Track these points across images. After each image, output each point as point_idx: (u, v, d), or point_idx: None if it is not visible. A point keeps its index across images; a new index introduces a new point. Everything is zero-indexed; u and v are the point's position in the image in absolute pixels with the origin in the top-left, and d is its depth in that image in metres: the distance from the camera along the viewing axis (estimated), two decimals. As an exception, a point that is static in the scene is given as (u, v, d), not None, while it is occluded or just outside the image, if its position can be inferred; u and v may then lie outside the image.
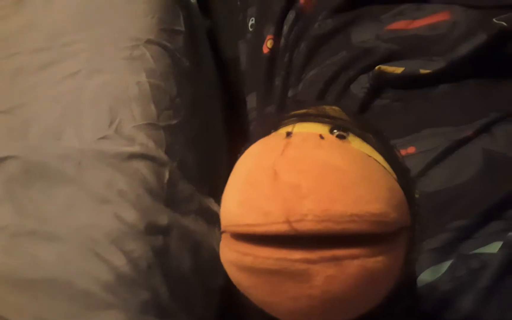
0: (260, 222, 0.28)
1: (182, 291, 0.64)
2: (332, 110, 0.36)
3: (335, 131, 0.33)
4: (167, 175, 0.71)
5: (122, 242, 0.59)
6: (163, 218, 0.66)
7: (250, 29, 0.98)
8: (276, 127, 0.35)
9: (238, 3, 1.12)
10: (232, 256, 0.30)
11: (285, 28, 0.85)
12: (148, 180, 0.68)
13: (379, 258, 0.28)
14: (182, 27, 1.04)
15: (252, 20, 0.98)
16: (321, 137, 0.30)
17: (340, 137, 0.32)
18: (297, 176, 0.28)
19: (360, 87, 0.66)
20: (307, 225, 0.27)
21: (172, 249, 0.65)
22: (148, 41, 0.90)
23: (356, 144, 0.33)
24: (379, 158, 0.33)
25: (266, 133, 0.36)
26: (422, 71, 0.61)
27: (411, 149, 0.55)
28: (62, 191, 0.64)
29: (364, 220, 0.27)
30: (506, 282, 0.42)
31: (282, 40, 0.84)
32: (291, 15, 0.85)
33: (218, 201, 0.82)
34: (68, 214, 0.62)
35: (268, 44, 0.87)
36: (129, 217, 0.62)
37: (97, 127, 0.72)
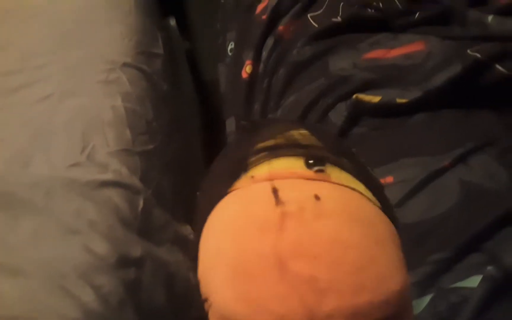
0: None
1: (155, 326, 0.62)
2: (301, 135, 0.33)
3: (311, 163, 0.30)
4: (141, 204, 0.68)
5: (91, 276, 0.56)
6: (136, 249, 0.63)
7: (230, 53, 0.98)
8: (245, 167, 0.31)
9: (218, 26, 1.12)
10: None
11: (264, 53, 0.85)
12: (121, 209, 0.65)
13: None
14: (160, 50, 1.03)
15: (231, 44, 0.98)
16: (317, 197, 0.27)
17: (319, 171, 0.30)
18: (308, 265, 0.24)
19: (338, 115, 0.65)
20: None
21: (145, 283, 0.62)
22: (125, 64, 0.88)
23: (335, 175, 0.31)
24: (360, 186, 0.31)
25: (234, 174, 0.32)
26: (399, 100, 0.62)
27: (389, 179, 0.55)
28: (28, 222, 0.61)
29: (391, 304, 0.25)
30: (486, 317, 0.42)
31: (261, 66, 0.84)
32: (270, 41, 0.85)
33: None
34: (34, 246, 0.59)
35: (247, 69, 0.87)
36: (99, 249, 0.59)
37: (68, 153, 0.69)
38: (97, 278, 0.57)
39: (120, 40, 0.93)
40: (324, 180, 0.30)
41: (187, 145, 1.04)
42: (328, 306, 0.24)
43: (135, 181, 0.70)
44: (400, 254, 0.28)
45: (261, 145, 0.32)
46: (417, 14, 0.73)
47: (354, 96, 0.63)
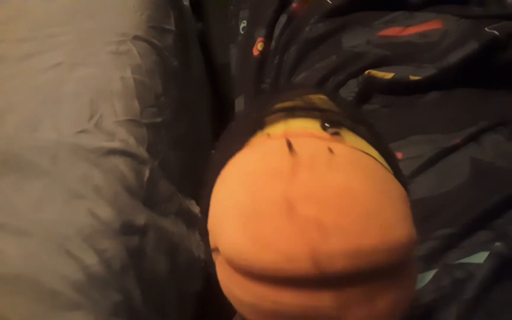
0: (282, 266, 0.25)
1: (156, 295, 0.62)
2: (320, 99, 0.33)
3: (327, 126, 0.30)
4: (147, 174, 0.68)
5: (95, 240, 0.57)
6: (141, 217, 0.63)
7: (242, 32, 0.96)
8: (261, 125, 0.32)
9: (231, 7, 1.11)
10: (247, 298, 0.27)
11: (276, 31, 0.83)
12: (127, 177, 0.65)
13: (407, 284, 0.27)
14: (172, 27, 1.03)
15: (244, 23, 0.97)
16: (330, 150, 0.27)
17: (335, 134, 0.30)
18: (316, 209, 0.25)
19: (349, 91, 0.64)
20: (337, 266, 0.24)
21: (148, 251, 0.62)
22: (136, 37, 0.88)
23: (350, 139, 0.31)
24: (375, 153, 0.31)
25: (250, 131, 0.32)
26: (412, 77, 0.60)
27: (398, 155, 0.54)
28: (35, 184, 0.61)
29: (395, 251, 0.25)
30: (491, 294, 0.41)
31: (273, 43, 0.83)
32: (282, 19, 0.84)
33: (199, 203, 0.81)
34: (39, 208, 0.59)
35: (258, 46, 0.86)
36: (104, 214, 0.59)
37: (76, 120, 0.69)
38: (101, 242, 0.57)
39: (132, 13, 0.93)
40: (339, 142, 0.30)
41: (196, 124, 1.04)
42: (331, 246, 0.24)
43: (142, 152, 0.70)
44: (408, 211, 0.28)
45: (279, 105, 0.33)
46: (434, -7, 0.72)
47: (366, 72, 0.62)
